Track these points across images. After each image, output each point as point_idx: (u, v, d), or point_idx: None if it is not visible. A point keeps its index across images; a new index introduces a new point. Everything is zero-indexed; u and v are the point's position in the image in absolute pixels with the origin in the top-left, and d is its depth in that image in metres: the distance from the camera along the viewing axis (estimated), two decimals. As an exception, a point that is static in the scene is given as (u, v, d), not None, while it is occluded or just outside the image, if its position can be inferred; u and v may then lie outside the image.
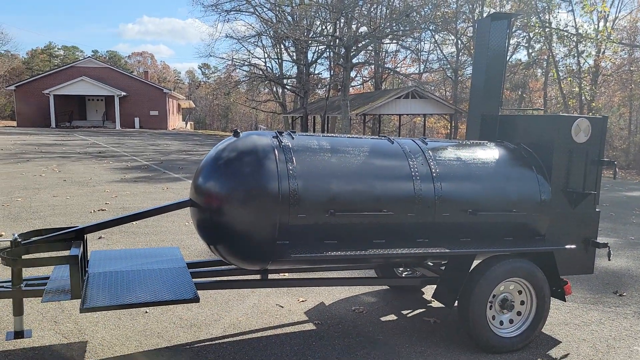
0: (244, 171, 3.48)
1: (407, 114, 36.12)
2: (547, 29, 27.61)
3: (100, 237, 6.80)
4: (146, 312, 4.42)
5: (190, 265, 4.11)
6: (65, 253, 3.28)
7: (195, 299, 3.23)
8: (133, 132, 35.75)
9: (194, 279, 3.66)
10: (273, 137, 3.72)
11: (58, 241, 3.47)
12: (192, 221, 3.80)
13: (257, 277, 4.12)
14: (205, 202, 3.56)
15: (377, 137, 4.25)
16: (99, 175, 13.23)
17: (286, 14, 33.43)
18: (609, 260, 4.61)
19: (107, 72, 42.05)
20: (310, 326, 4.32)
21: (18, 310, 3.33)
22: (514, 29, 32.69)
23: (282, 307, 4.71)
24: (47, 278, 3.48)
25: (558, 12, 29.17)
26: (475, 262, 4.04)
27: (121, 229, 7.25)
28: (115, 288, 3.31)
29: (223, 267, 4.18)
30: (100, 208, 8.87)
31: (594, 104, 28.37)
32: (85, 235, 3.66)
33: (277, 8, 32.66)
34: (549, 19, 28.25)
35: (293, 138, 3.77)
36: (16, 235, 3.30)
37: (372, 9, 31.82)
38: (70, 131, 33.88)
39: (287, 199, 3.44)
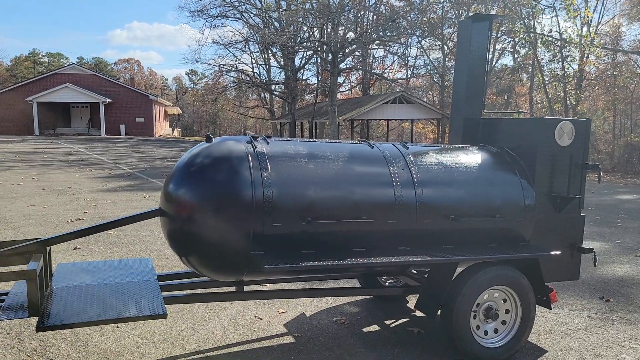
0: (216, 178, 3.32)
1: (395, 119, 36.16)
2: (531, 35, 27.81)
3: (75, 248, 6.58)
4: (117, 326, 4.22)
5: (162, 277, 3.94)
6: (24, 267, 3.09)
7: (163, 315, 3.05)
8: (118, 139, 35.33)
9: (167, 292, 3.49)
10: (247, 142, 3.57)
11: (17, 254, 3.27)
12: (162, 231, 3.62)
13: (233, 289, 3.96)
14: (175, 210, 3.39)
15: (356, 141, 4.12)
16: (80, 183, 12.95)
17: (273, 20, 33.27)
18: (595, 265, 4.50)
19: (92, 79, 41.57)
20: (289, 339, 4.16)
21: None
22: (499, 35, 32.95)
23: (261, 319, 4.55)
24: (7, 294, 3.28)
25: (542, 18, 29.45)
26: (459, 270, 3.91)
27: (98, 238, 7.03)
28: (78, 303, 3.12)
29: (197, 279, 4.00)
30: (78, 217, 8.63)
31: (579, 108, 28.58)
32: (49, 248, 3.47)
33: (264, 14, 32.54)
34: (534, 24, 28.47)
35: (268, 144, 3.62)
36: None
37: (358, 15, 31.86)
38: (54, 139, 33.36)
39: (261, 207, 3.29)
